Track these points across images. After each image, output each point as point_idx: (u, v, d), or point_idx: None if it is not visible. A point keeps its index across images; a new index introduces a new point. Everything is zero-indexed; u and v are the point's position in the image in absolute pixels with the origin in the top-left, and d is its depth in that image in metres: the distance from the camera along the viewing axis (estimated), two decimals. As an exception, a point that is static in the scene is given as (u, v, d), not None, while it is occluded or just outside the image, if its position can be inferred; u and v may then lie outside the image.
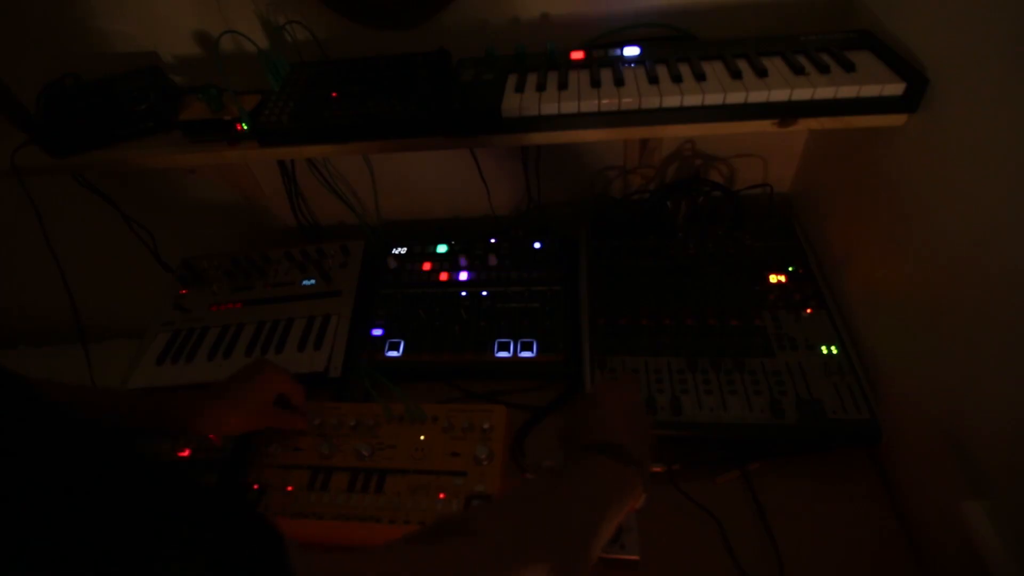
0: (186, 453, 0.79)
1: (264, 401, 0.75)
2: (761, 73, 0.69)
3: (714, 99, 0.68)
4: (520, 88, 0.74)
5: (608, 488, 0.46)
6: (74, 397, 0.68)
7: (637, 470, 0.48)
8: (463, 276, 1.00)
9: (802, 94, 0.66)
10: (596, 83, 0.72)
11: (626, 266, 0.96)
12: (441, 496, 0.70)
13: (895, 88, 0.65)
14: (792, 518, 0.69)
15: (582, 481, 0.46)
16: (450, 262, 1.03)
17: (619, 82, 0.71)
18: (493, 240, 1.05)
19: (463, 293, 0.97)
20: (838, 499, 0.71)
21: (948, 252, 0.61)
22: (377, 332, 0.94)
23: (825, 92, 0.66)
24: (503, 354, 0.88)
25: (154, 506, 0.26)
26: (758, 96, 0.67)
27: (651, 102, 0.69)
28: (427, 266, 1.03)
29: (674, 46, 0.79)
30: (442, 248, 1.06)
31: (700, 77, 0.70)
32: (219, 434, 0.77)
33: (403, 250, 1.07)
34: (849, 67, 0.68)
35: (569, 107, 0.70)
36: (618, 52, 0.78)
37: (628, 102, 0.69)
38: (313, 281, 1.03)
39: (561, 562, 0.39)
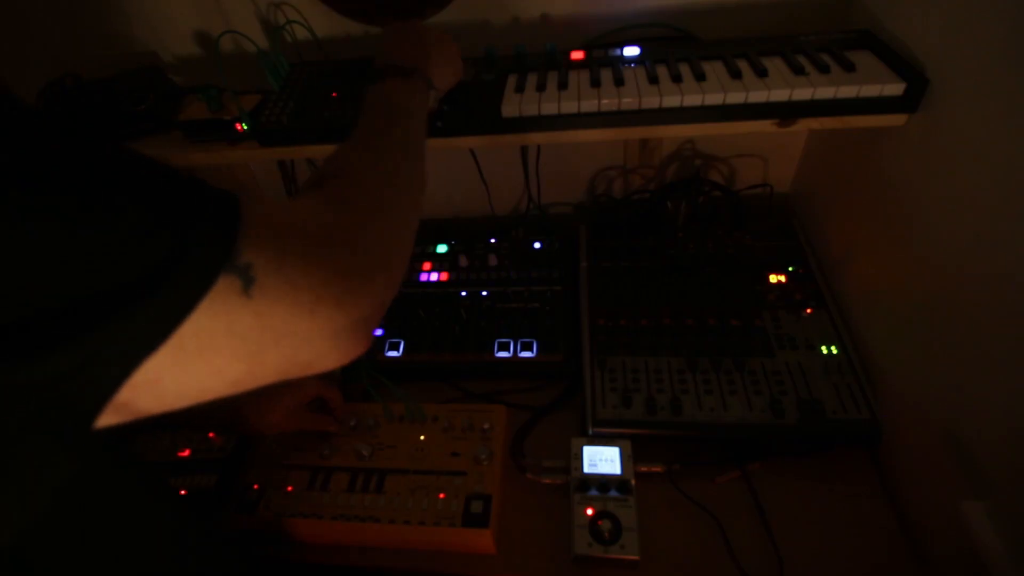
0: (186, 453, 0.80)
1: (299, 403, 0.75)
2: (761, 73, 0.69)
3: (714, 99, 0.68)
4: (520, 88, 0.74)
5: (398, 95, 0.56)
6: None
7: (421, 79, 0.58)
8: (463, 276, 1.00)
9: (802, 94, 0.66)
10: (596, 83, 0.72)
11: (626, 266, 0.95)
12: (441, 496, 0.70)
13: (895, 88, 0.65)
14: (792, 518, 0.69)
15: (378, 99, 0.55)
16: (450, 262, 1.03)
17: (619, 82, 0.71)
18: (493, 240, 1.05)
19: (463, 293, 0.97)
20: (838, 499, 0.71)
21: (948, 252, 0.61)
22: (377, 332, 0.94)
23: (825, 92, 0.66)
24: (503, 354, 0.88)
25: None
26: (758, 96, 0.67)
27: (651, 102, 0.69)
28: (427, 266, 1.03)
29: (674, 46, 0.79)
30: (442, 248, 1.06)
31: (700, 77, 0.70)
32: (252, 433, 0.76)
33: (403, 250, 1.07)
34: (849, 67, 0.68)
35: (569, 107, 0.70)
36: (618, 52, 0.77)
37: (628, 102, 0.69)
38: (313, 281, 1.03)
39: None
